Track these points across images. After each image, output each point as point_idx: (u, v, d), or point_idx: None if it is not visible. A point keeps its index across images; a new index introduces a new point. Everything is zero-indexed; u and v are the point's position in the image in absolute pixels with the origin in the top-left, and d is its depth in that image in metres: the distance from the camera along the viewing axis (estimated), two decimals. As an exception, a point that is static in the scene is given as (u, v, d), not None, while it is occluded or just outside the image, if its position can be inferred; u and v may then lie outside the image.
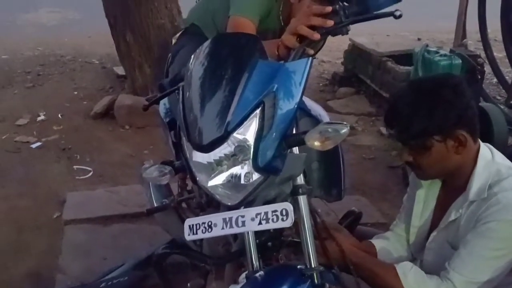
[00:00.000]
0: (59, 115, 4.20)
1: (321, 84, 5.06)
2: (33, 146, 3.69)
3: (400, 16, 1.19)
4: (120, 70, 4.83)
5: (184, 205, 1.95)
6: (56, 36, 6.75)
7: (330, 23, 1.27)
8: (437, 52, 3.44)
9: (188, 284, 1.73)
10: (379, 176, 3.33)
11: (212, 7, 2.05)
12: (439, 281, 1.37)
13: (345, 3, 1.26)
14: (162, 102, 2.03)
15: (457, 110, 1.37)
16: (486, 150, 1.45)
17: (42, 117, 4.15)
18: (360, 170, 3.36)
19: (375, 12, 1.24)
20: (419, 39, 5.48)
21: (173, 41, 2.29)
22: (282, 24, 1.80)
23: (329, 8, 1.28)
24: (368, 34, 4.90)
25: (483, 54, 4.34)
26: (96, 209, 2.81)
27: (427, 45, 3.62)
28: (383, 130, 3.92)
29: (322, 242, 1.31)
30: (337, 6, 1.25)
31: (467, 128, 1.39)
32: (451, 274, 1.36)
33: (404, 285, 1.37)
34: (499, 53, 4.84)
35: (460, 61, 3.36)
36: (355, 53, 4.85)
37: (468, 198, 1.41)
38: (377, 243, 1.64)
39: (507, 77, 4.44)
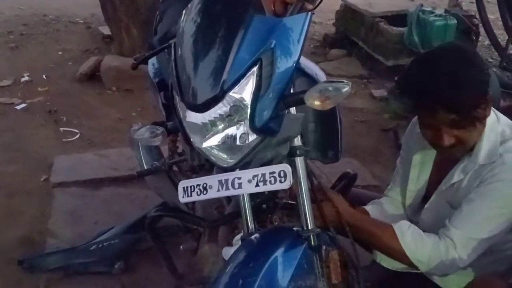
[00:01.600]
0: (44, 76, 4.10)
1: (312, 46, 4.98)
2: (18, 107, 3.60)
3: None
4: (106, 30, 4.69)
5: (175, 167, 1.93)
6: (39, -4, 6.51)
7: None
8: (432, 12, 3.39)
9: (181, 247, 1.72)
10: (371, 139, 3.32)
11: None
12: (437, 238, 1.37)
13: None
14: (150, 62, 1.96)
15: (487, 76, 1.33)
16: (491, 112, 1.41)
17: (26, 78, 4.05)
18: (352, 133, 3.34)
19: None
20: (412, 0, 5.39)
21: None
22: None
23: None
24: (361, -6, 4.79)
25: (476, 15, 4.29)
26: (85, 173, 2.76)
27: (421, 5, 3.56)
28: (375, 92, 3.89)
29: (318, 204, 1.29)
30: None
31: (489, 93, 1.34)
32: (451, 231, 1.35)
33: (401, 244, 1.36)
34: (491, 15, 4.78)
35: (455, 21, 3.31)
36: (347, 14, 4.76)
37: (477, 162, 1.38)
38: (371, 208, 1.63)
39: (499, 39, 4.40)
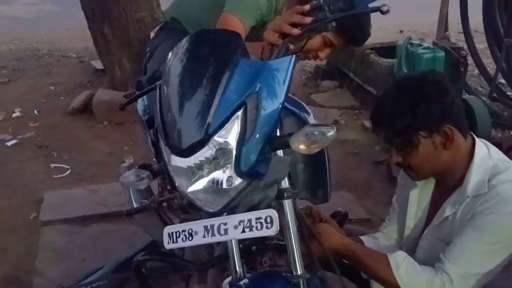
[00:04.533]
0: (35, 111, 4.09)
1: (303, 78, 5.01)
2: (9, 144, 3.58)
3: (387, 11, 1.15)
4: (98, 64, 4.70)
5: (165, 204, 1.90)
6: (32, 30, 6.57)
7: (308, 20, 1.26)
8: (420, 45, 3.43)
9: (170, 290, 1.68)
10: (363, 172, 3.30)
11: (197, 3, 1.97)
12: (433, 272, 1.34)
13: None
14: (140, 99, 1.95)
15: (441, 105, 1.35)
16: (481, 145, 1.43)
17: (17, 114, 4.03)
18: (344, 166, 3.33)
19: (360, 8, 1.19)
20: (401, 32, 5.48)
21: (151, 34, 2.20)
22: None
23: (307, 6, 1.27)
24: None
25: (464, 46, 4.34)
26: (74, 209, 2.73)
27: (410, 38, 3.60)
28: (367, 124, 3.90)
29: (306, 243, 1.27)
30: (322, 1, 1.20)
31: (453, 122, 1.37)
32: (446, 266, 1.33)
33: (396, 276, 1.34)
34: (480, 44, 4.85)
35: (444, 54, 3.35)
36: (338, 46, 4.80)
37: (465, 193, 1.38)
38: (366, 240, 1.61)
39: (488, 68, 4.45)
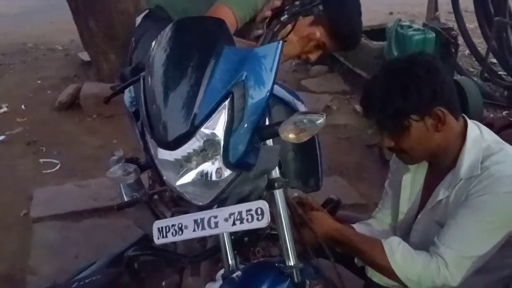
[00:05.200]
0: (23, 107, 4.04)
1: (293, 64, 4.97)
2: (-4, 140, 3.54)
3: None
4: (85, 56, 4.65)
5: (156, 196, 1.87)
6: (18, 25, 6.49)
7: (277, 3, 1.24)
8: (410, 27, 3.40)
9: (163, 283, 1.66)
10: (355, 156, 3.29)
11: None
12: (428, 257, 1.33)
13: None
14: (127, 90, 1.91)
15: (432, 86, 1.33)
16: (474, 127, 1.40)
17: (4, 109, 3.99)
18: (336, 150, 3.32)
19: None
20: (391, 13, 5.43)
21: (137, 22, 2.14)
22: None
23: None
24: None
25: (455, 26, 4.32)
26: (65, 205, 2.70)
27: (399, 20, 3.57)
28: (358, 108, 3.88)
29: (298, 231, 1.26)
30: None
31: (445, 104, 1.35)
32: (441, 250, 1.32)
33: (390, 262, 1.33)
34: (470, 24, 4.82)
35: (434, 35, 3.32)
36: (327, 30, 4.76)
37: (459, 176, 1.36)
38: (358, 227, 1.59)
39: (479, 48, 4.43)
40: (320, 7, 1.16)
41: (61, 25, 5.96)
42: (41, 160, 3.28)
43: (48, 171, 3.16)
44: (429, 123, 1.35)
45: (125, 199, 1.90)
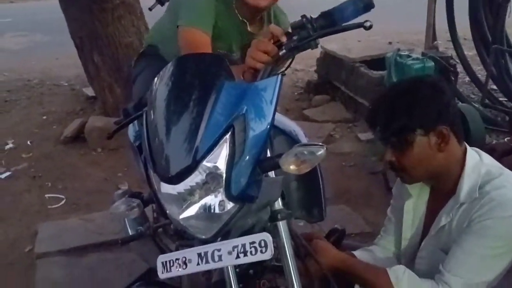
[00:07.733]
0: (28, 142, 4.07)
1: (296, 93, 5.02)
2: (2, 176, 3.54)
3: (370, 27, 1.14)
4: (90, 91, 4.70)
5: (161, 229, 1.87)
6: (23, 60, 6.59)
7: (275, 49, 1.23)
8: (409, 56, 3.44)
9: (169, 318, 1.64)
10: (360, 183, 3.28)
11: (169, 25, 1.98)
12: (434, 285, 1.31)
13: (311, 16, 1.20)
14: (131, 125, 1.94)
15: (437, 106, 1.35)
16: (473, 153, 1.42)
17: (10, 145, 4.01)
18: (341, 178, 3.31)
19: (343, 24, 1.19)
20: (390, 43, 5.50)
21: (132, 63, 2.22)
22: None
23: (272, 46, 1.24)
24: (340, 40, 4.87)
25: (453, 53, 4.36)
26: (70, 240, 2.68)
27: (398, 50, 3.62)
28: (361, 136, 3.89)
29: (303, 262, 1.25)
30: (304, 20, 1.19)
31: (449, 124, 1.36)
32: (447, 277, 1.30)
33: None
34: (469, 51, 4.87)
35: (433, 64, 3.36)
36: (328, 60, 4.83)
37: (459, 201, 1.36)
38: (360, 254, 1.58)
39: (479, 75, 4.46)
40: (317, 41, 1.19)
41: (66, 60, 6.05)
42: (46, 195, 3.28)
43: (54, 206, 3.16)
44: (433, 140, 1.35)
45: (130, 232, 1.90)
